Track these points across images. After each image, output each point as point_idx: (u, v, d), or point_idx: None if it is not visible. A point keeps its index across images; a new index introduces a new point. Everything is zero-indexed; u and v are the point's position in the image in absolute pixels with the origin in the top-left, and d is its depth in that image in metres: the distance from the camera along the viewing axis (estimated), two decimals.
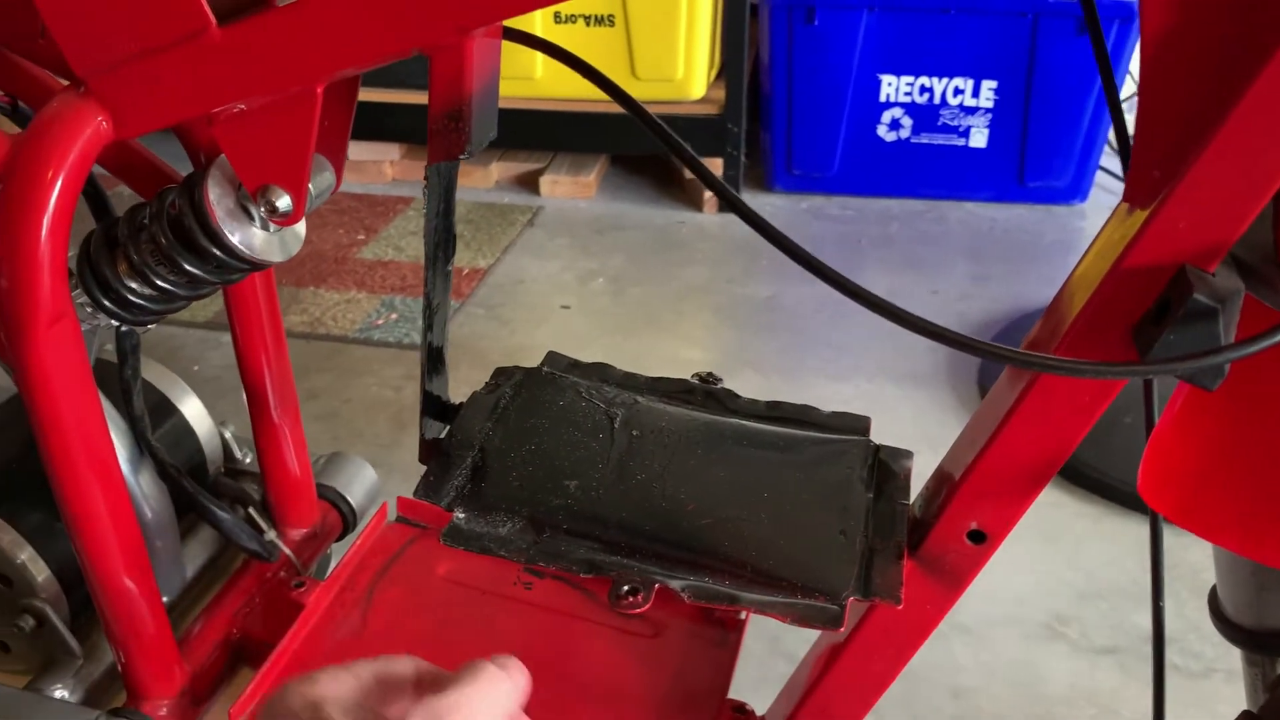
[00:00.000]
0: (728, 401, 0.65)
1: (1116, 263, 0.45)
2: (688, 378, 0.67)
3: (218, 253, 0.57)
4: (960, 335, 0.43)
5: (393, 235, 2.32)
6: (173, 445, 0.79)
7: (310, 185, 0.55)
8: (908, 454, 0.61)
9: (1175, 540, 1.46)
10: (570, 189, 2.51)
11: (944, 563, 0.54)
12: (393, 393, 1.79)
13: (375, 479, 0.86)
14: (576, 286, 2.14)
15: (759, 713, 0.69)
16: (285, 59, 0.50)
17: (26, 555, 0.69)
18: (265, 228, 0.57)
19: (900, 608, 0.52)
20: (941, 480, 0.56)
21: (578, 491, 0.57)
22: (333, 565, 0.90)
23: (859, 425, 0.63)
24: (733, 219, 2.42)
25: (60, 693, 0.67)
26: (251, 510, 0.76)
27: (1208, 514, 0.49)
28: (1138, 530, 1.48)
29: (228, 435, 0.84)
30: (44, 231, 0.53)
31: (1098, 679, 1.26)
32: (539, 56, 2.32)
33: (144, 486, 0.69)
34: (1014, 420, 0.48)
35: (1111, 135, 2.47)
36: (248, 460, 0.85)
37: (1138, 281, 0.45)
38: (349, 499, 0.82)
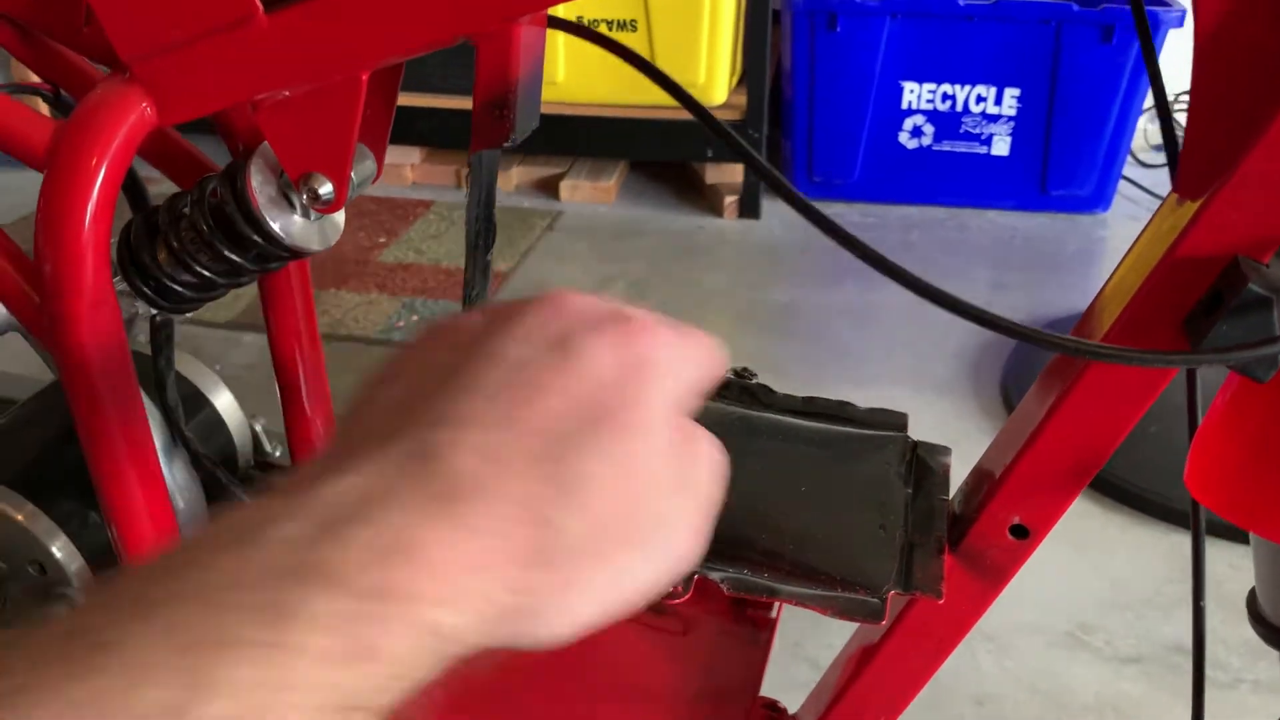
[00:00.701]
0: (763, 396, 0.65)
1: (1168, 253, 0.44)
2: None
3: (258, 240, 0.57)
4: (1015, 324, 0.42)
5: (414, 238, 2.33)
6: (204, 437, 0.79)
7: (352, 173, 0.55)
8: (945, 450, 0.61)
9: None
10: (590, 194, 2.51)
11: (985, 558, 0.54)
12: None
13: None
14: (597, 291, 2.14)
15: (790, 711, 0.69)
16: (331, 46, 0.50)
17: (60, 543, 0.69)
18: (306, 215, 0.57)
19: (941, 602, 0.52)
20: (982, 476, 0.55)
21: None
22: None
23: (897, 421, 0.63)
24: (752, 225, 2.42)
25: None
26: None
27: (1256, 507, 0.48)
28: (1163, 540, 1.47)
29: (258, 429, 0.84)
30: (88, 218, 0.53)
31: (1123, 688, 1.25)
32: (561, 60, 2.33)
33: (177, 476, 0.70)
34: (1061, 412, 0.48)
35: (1134, 145, 2.46)
36: (277, 454, 0.85)
37: (1189, 272, 0.44)
38: None
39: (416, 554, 0.29)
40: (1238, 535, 1.48)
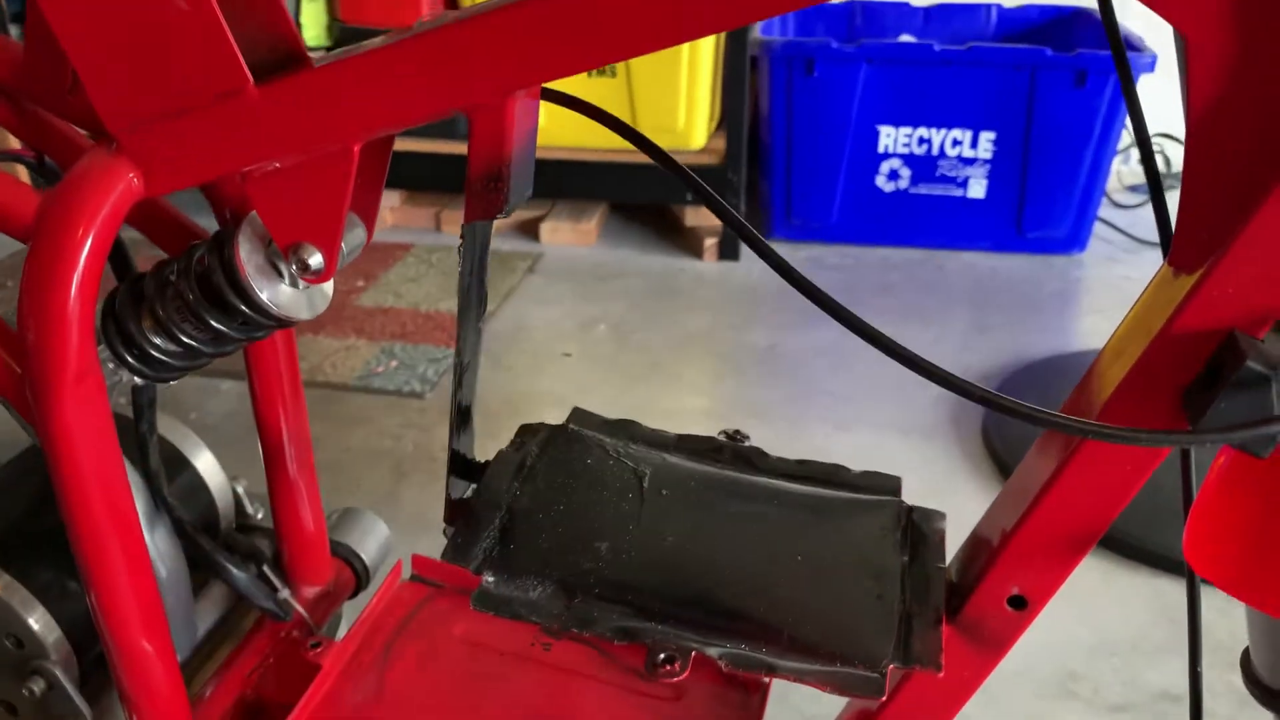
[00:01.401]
0: (756, 460, 0.65)
1: (1164, 328, 0.44)
2: (714, 435, 0.66)
3: (245, 309, 0.56)
4: (1012, 401, 0.42)
5: (392, 281, 2.32)
6: (186, 500, 0.78)
7: (342, 243, 0.54)
8: (940, 515, 0.61)
9: (1182, 595, 1.45)
10: (570, 236, 2.51)
11: (983, 629, 0.53)
12: (392, 441, 1.78)
13: (388, 535, 0.85)
14: (578, 333, 2.14)
15: None
16: (323, 118, 0.50)
17: (38, 615, 0.67)
18: (294, 284, 0.56)
19: (940, 675, 0.51)
20: (979, 545, 0.55)
21: (608, 554, 0.56)
22: (343, 623, 0.88)
23: (890, 485, 0.63)
24: (732, 267, 2.43)
25: None
26: (265, 568, 0.75)
27: (1256, 581, 0.48)
28: (1147, 586, 1.47)
29: (240, 490, 0.82)
30: (73, 289, 0.52)
31: None
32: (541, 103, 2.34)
33: (159, 544, 0.68)
34: (1057, 486, 0.48)
35: (1109, 186, 2.49)
36: (259, 516, 0.83)
37: (1185, 347, 0.44)
38: (362, 556, 0.81)
39: None
40: None
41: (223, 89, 0.50)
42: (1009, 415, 0.42)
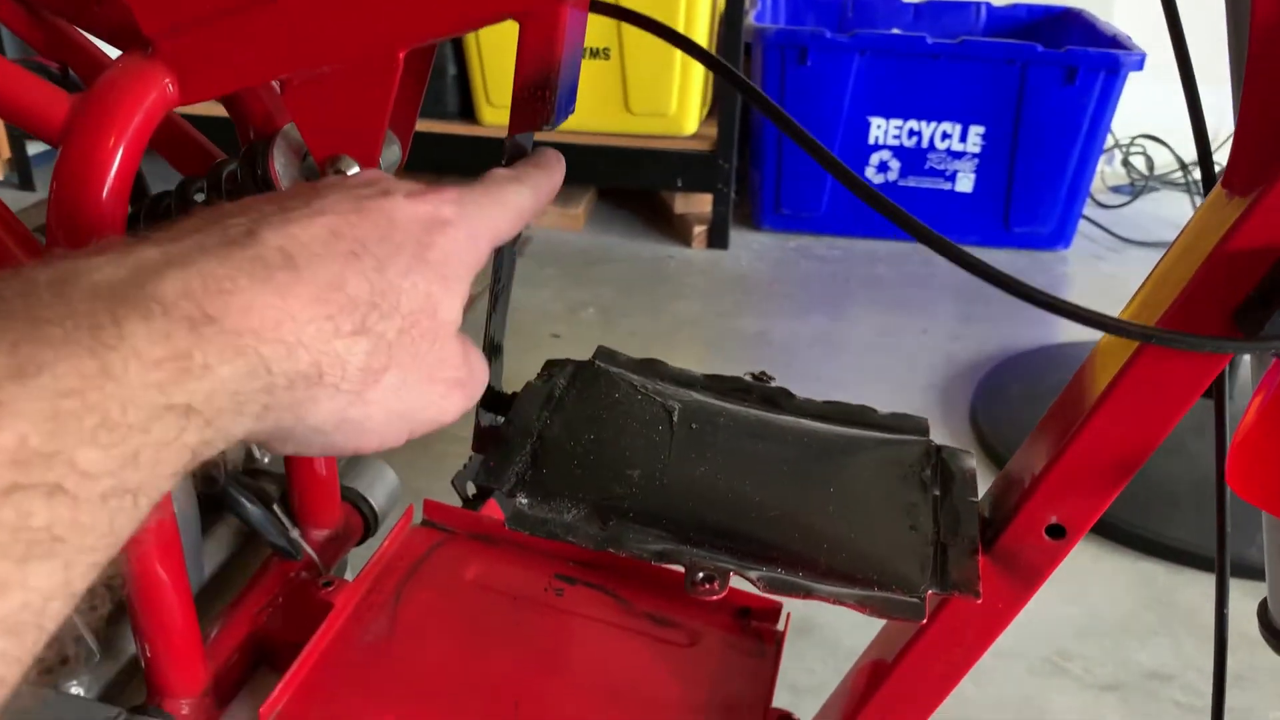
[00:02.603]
0: (783, 400, 0.64)
1: (1217, 248, 0.44)
2: (741, 375, 0.66)
3: None
4: (1074, 306, 0.42)
5: None
6: None
7: (379, 159, 0.53)
8: (969, 454, 0.60)
9: (1170, 580, 1.47)
10: (558, 220, 2.50)
11: (1019, 558, 0.53)
12: None
13: (397, 482, 0.84)
14: (567, 316, 2.13)
15: None
16: (369, 23, 0.49)
17: None
18: None
19: (979, 602, 0.51)
20: (1013, 479, 0.55)
21: (642, 481, 0.55)
22: (350, 570, 0.87)
23: (918, 426, 0.62)
24: (721, 255, 2.42)
25: (76, 689, 0.64)
26: (275, 508, 0.73)
27: None
28: (1136, 568, 1.48)
29: None
30: (105, 195, 0.51)
31: (1102, 715, 1.25)
32: None
33: None
34: (1107, 406, 0.47)
35: (1093, 187, 2.51)
36: (266, 460, 0.82)
37: (1239, 266, 0.44)
38: (371, 501, 0.80)
39: (234, 296, 0.32)
40: (1210, 565, 1.50)
41: None
42: (1070, 318, 0.42)
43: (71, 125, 0.51)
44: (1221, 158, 0.49)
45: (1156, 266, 0.50)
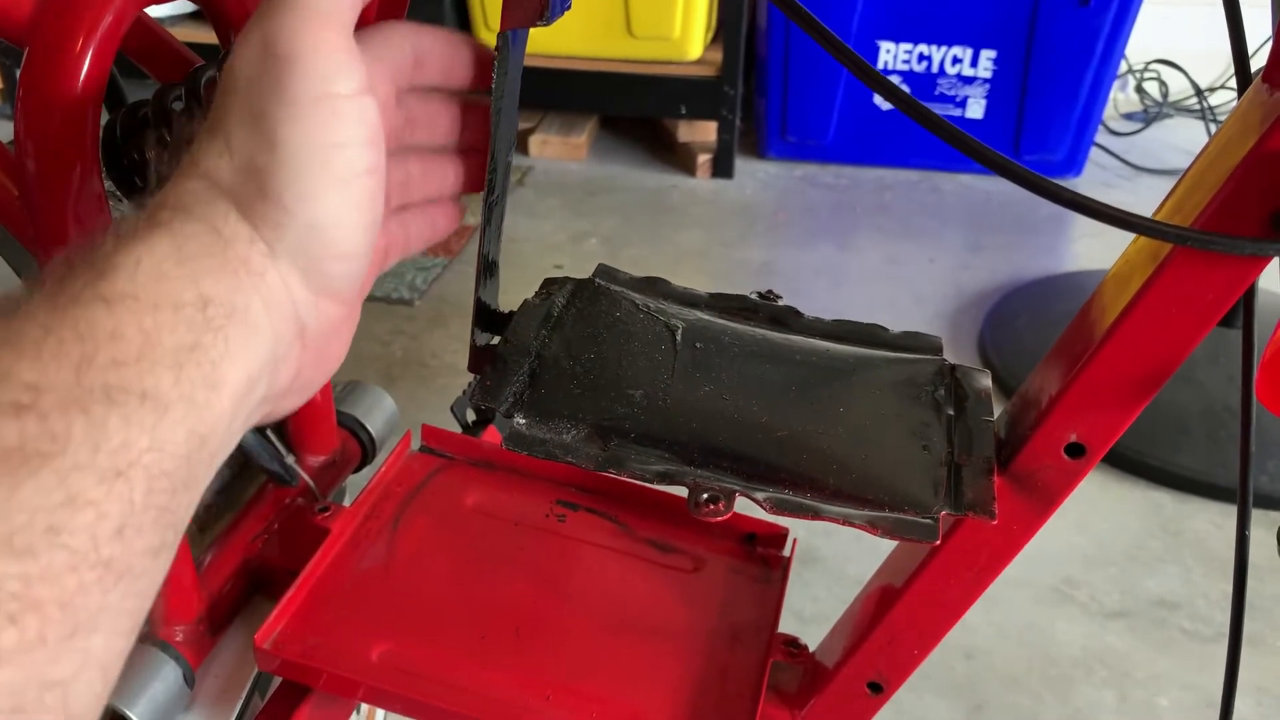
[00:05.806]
0: (791, 320, 0.62)
1: (1258, 145, 0.42)
2: (747, 294, 0.64)
3: None
4: (1103, 204, 0.39)
5: None
6: None
7: None
8: (984, 373, 0.58)
9: (1178, 508, 1.46)
10: (560, 150, 2.46)
11: (1036, 479, 0.51)
12: (381, 347, 1.74)
13: (395, 410, 0.82)
14: (570, 247, 2.10)
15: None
16: None
17: None
18: None
19: (994, 523, 0.49)
20: (1030, 398, 0.53)
21: (643, 401, 0.53)
22: (349, 499, 0.85)
23: (931, 345, 0.60)
24: (725, 185, 2.38)
25: None
26: (269, 434, 0.71)
27: None
28: (1142, 497, 1.47)
29: None
30: (76, 99, 0.48)
31: (1108, 641, 1.25)
32: None
33: None
34: (1134, 316, 0.45)
35: (1105, 112, 2.46)
36: None
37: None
38: (369, 428, 0.78)
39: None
40: (1219, 494, 1.48)
41: None
42: (1097, 218, 0.39)
43: (37, 21, 0.48)
44: (1258, 62, 0.46)
45: (1187, 171, 0.48)
